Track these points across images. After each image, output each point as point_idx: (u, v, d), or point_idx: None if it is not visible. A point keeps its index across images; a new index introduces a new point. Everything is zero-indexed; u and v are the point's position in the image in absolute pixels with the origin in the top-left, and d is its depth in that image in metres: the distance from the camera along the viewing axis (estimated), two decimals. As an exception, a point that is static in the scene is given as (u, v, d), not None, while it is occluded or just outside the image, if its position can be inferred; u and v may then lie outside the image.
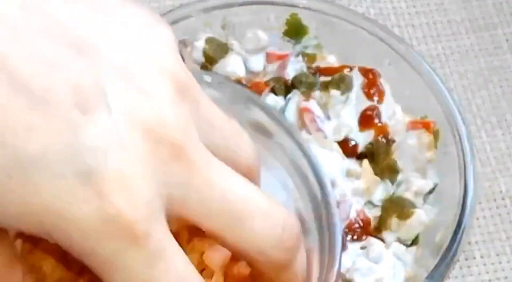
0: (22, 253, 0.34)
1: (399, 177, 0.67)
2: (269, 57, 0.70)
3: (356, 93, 0.68)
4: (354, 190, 0.65)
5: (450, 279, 0.69)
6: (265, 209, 0.34)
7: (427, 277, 0.62)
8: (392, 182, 0.67)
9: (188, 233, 0.36)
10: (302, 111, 0.67)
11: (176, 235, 0.33)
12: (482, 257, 0.71)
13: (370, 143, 0.67)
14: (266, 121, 0.51)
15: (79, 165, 0.29)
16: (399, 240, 0.65)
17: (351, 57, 0.71)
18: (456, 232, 0.63)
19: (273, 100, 0.67)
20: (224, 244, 0.34)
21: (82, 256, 0.30)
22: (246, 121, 0.45)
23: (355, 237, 0.63)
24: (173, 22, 0.67)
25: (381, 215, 0.65)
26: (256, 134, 0.47)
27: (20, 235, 0.33)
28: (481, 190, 0.73)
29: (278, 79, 0.69)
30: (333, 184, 0.64)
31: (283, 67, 0.70)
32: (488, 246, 0.71)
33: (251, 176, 0.38)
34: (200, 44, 0.70)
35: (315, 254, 0.44)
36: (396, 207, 0.65)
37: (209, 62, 0.69)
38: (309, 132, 0.66)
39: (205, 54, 0.69)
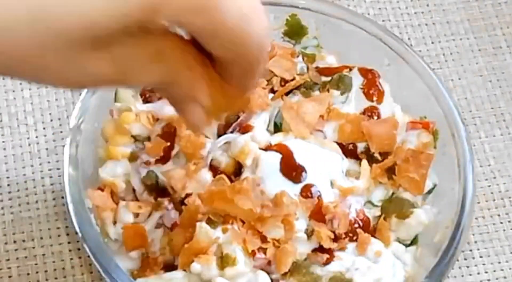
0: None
1: (399, 177, 0.67)
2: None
3: (356, 94, 0.68)
4: (354, 190, 0.65)
5: (449, 278, 0.69)
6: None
7: (426, 277, 0.62)
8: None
9: None
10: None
11: None
12: (481, 256, 0.71)
13: (370, 143, 0.67)
14: None
15: None
16: (399, 240, 0.65)
17: (350, 57, 0.71)
18: (455, 232, 0.63)
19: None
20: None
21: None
22: None
23: (355, 237, 0.63)
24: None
25: (380, 214, 0.66)
26: None
27: None
28: (480, 190, 0.73)
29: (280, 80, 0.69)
30: (333, 184, 0.64)
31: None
32: (487, 246, 0.71)
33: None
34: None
35: None
36: (396, 207, 0.65)
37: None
38: (308, 132, 0.66)
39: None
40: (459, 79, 0.78)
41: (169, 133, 0.65)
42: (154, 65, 0.39)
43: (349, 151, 0.66)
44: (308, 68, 0.70)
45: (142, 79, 0.40)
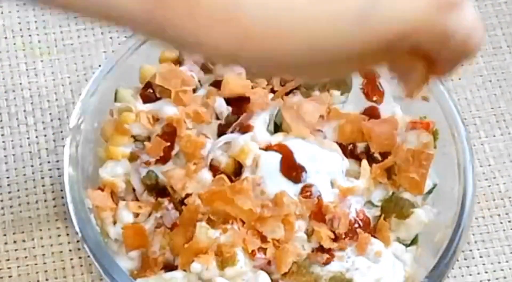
0: None
1: (399, 177, 0.67)
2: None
3: (356, 94, 0.68)
4: (354, 190, 0.65)
5: (449, 278, 0.69)
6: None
7: (426, 277, 0.62)
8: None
9: None
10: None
11: None
12: (481, 256, 0.71)
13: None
14: None
15: None
16: (399, 240, 0.65)
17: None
18: (455, 232, 0.63)
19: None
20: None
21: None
22: None
23: (355, 237, 0.63)
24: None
25: (380, 214, 0.66)
26: None
27: None
28: (480, 190, 0.73)
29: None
30: (333, 184, 0.64)
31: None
32: (487, 246, 0.71)
33: None
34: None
35: None
36: (396, 207, 0.65)
37: (211, 63, 0.69)
38: (308, 132, 0.66)
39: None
40: (459, 79, 0.78)
41: (169, 133, 0.65)
42: (386, 52, 0.45)
43: (349, 151, 0.66)
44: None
45: (375, 63, 0.47)
